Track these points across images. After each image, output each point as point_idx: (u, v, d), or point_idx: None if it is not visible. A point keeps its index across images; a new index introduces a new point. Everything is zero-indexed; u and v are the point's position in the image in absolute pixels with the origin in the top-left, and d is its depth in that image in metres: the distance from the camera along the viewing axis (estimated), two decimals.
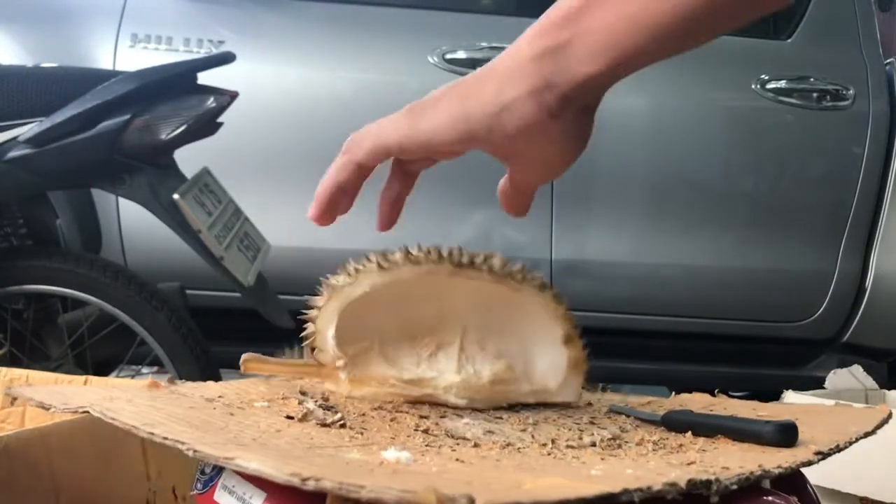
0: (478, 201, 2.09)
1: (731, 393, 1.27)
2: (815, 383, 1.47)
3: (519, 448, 0.52)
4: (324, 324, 0.65)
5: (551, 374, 0.67)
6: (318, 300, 0.65)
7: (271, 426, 0.52)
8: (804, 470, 0.52)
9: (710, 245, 2.25)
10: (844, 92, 2.23)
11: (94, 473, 0.72)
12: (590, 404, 0.70)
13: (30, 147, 1.45)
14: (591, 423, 0.62)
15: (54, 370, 1.46)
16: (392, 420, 0.58)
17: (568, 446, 0.53)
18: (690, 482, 0.40)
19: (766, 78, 2.22)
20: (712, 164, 2.28)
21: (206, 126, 1.55)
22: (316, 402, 0.60)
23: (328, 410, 0.58)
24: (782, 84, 2.23)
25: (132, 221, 2.03)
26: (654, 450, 0.53)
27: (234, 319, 1.85)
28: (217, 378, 1.44)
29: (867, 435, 0.58)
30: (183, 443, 0.43)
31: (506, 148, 0.52)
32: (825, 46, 2.29)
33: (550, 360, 0.67)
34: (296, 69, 2.19)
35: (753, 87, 2.22)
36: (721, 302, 2.26)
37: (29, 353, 1.61)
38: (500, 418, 0.62)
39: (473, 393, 0.64)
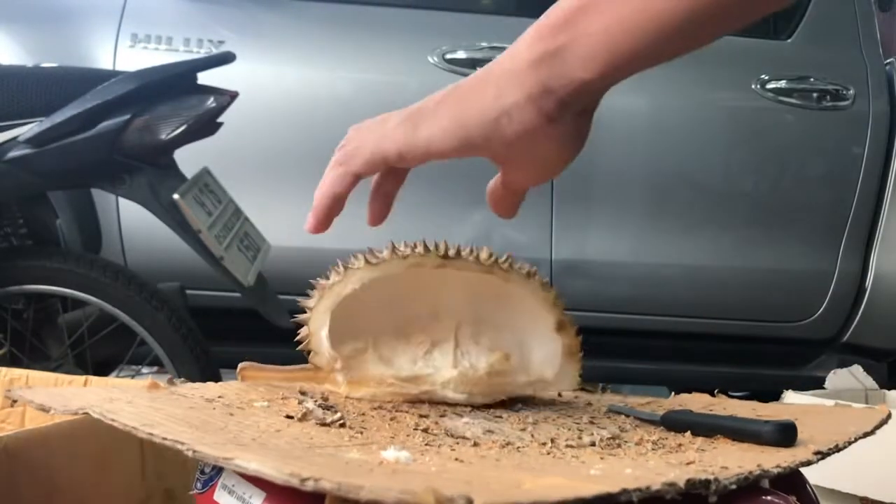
0: (478, 201, 2.05)
1: (730, 393, 1.27)
2: (815, 383, 1.47)
3: (518, 447, 0.52)
4: (317, 325, 0.65)
5: (548, 364, 0.68)
6: (309, 302, 0.65)
7: (271, 426, 0.52)
8: (803, 470, 0.52)
9: (710, 245, 2.25)
10: (844, 92, 2.23)
11: (93, 474, 0.72)
12: (589, 404, 0.70)
13: (30, 147, 1.45)
14: (591, 422, 0.62)
15: (54, 370, 1.46)
16: (392, 419, 0.59)
17: (567, 446, 0.53)
18: (689, 482, 0.40)
19: (767, 78, 2.22)
20: (712, 164, 2.28)
21: (206, 126, 1.55)
22: (315, 401, 0.60)
23: (328, 410, 0.58)
24: (782, 84, 2.22)
25: (132, 221, 2.03)
26: (653, 449, 0.53)
27: (234, 319, 1.85)
28: (217, 378, 1.44)
29: (866, 435, 0.58)
30: (182, 443, 0.43)
31: (504, 153, 0.52)
32: (825, 46, 2.29)
33: (545, 350, 0.67)
34: (296, 69, 2.18)
35: (753, 87, 2.22)
36: (721, 302, 2.26)
37: (29, 353, 1.61)
38: (500, 417, 0.62)
39: (471, 386, 0.65)
